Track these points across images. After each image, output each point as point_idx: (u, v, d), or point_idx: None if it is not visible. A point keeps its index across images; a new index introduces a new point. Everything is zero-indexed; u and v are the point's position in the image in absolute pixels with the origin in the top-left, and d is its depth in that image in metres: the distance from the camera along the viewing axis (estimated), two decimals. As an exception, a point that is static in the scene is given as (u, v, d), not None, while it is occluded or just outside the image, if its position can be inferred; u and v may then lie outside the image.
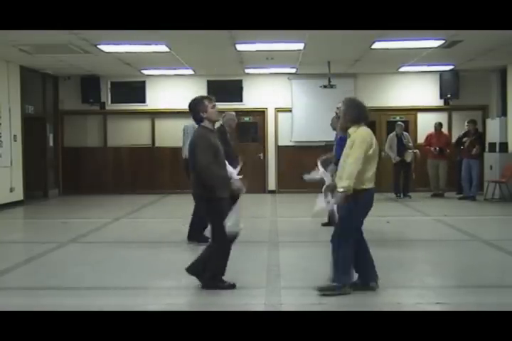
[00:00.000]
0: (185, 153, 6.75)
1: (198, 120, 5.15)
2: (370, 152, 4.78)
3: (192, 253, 6.86)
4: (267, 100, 14.14)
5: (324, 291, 4.84)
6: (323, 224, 8.24)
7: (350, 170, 4.71)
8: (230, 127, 7.50)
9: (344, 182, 4.71)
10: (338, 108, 7.28)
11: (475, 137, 12.08)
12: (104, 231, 8.54)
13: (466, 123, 12.49)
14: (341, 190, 4.72)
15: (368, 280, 5.00)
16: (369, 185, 4.85)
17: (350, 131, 4.87)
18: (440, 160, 12.82)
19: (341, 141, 7.02)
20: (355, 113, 4.88)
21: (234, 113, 7.67)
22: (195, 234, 7.21)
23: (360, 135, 4.79)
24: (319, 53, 11.11)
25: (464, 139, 12.17)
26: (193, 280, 5.63)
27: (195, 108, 5.14)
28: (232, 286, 5.10)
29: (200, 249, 7.05)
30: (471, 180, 12.04)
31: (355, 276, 5.02)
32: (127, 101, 14.05)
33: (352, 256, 4.91)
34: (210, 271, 5.10)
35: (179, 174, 9.89)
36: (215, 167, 5.04)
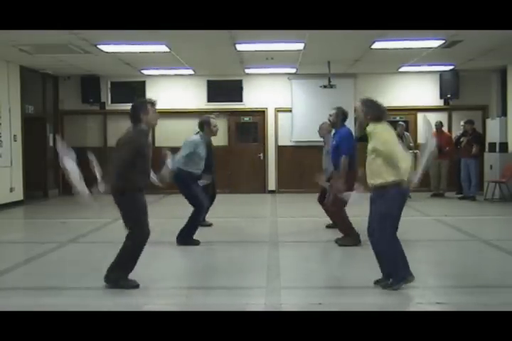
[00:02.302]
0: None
1: (135, 121, 5.17)
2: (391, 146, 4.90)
3: (192, 253, 6.88)
4: (267, 100, 14.15)
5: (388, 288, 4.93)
6: (328, 226, 8.23)
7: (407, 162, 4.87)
8: (213, 133, 7.51)
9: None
10: (330, 115, 7.29)
11: (472, 137, 12.08)
12: (104, 231, 8.53)
13: (462, 123, 12.51)
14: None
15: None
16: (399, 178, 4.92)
17: (369, 128, 4.97)
18: (442, 159, 12.82)
19: (342, 137, 7.09)
20: (376, 112, 4.99)
21: (212, 117, 7.61)
22: (185, 238, 7.21)
23: (382, 130, 4.94)
24: (319, 53, 11.11)
25: (462, 139, 12.18)
26: (193, 280, 5.64)
27: (137, 109, 5.16)
28: (137, 286, 5.08)
29: (197, 249, 7.09)
30: (471, 179, 12.05)
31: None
32: (127, 101, 13.95)
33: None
34: (120, 269, 5.10)
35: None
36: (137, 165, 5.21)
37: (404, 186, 4.83)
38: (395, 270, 4.96)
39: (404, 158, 4.88)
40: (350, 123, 7.87)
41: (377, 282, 5.06)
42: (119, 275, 5.09)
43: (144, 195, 5.25)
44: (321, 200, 7.92)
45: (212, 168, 8.29)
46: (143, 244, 5.16)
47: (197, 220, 7.26)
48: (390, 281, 4.96)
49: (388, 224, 4.91)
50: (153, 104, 5.20)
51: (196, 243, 7.15)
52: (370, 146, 4.96)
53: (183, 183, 7.17)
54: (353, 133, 7.45)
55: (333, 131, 7.56)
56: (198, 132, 7.49)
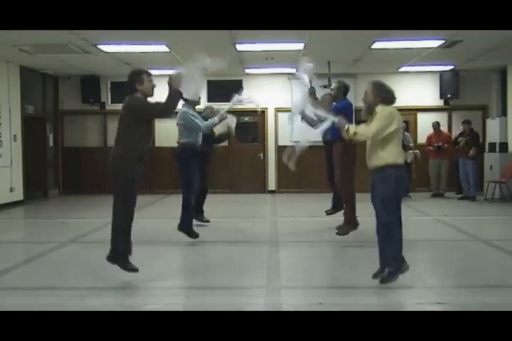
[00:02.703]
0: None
1: (130, 91, 5.22)
2: (392, 129, 4.93)
3: (191, 253, 6.88)
4: (267, 100, 14.14)
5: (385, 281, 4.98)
6: (328, 213, 8.30)
7: (366, 129, 4.96)
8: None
9: (353, 129, 4.99)
10: (331, 89, 7.40)
11: (470, 137, 12.08)
12: (104, 231, 8.50)
13: (460, 124, 12.52)
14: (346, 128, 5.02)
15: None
16: (400, 160, 5.11)
17: (378, 109, 4.99)
18: (442, 159, 12.83)
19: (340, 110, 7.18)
20: (386, 95, 5.04)
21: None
22: (186, 227, 7.31)
23: (386, 110, 4.97)
24: (319, 53, 11.09)
25: (459, 139, 12.19)
26: (193, 280, 5.64)
27: (132, 78, 5.23)
28: (136, 270, 5.26)
29: (196, 248, 7.09)
30: (469, 180, 12.05)
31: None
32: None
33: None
34: (116, 246, 5.27)
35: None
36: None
37: (401, 169, 5.01)
38: (395, 257, 5.00)
39: (399, 143, 5.05)
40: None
41: (374, 276, 5.08)
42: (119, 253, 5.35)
43: (141, 164, 5.25)
44: (331, 179, 7.93)
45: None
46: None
47: (188, 201, 7.26)
48: (386, 272, 4.99)
49: (394, 207, 5.03)
50: (148, 74, 5.28)
51: (195, 235, 7.17)
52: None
53: (181, 157, 7.28)
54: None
55: (334, 104, 7.61)
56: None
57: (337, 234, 7.31)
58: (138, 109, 5.21)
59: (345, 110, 7.09)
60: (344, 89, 7.38)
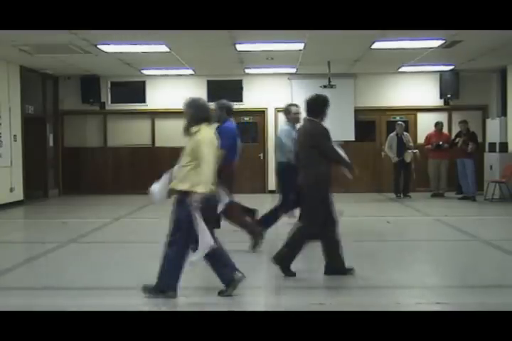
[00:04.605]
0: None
1: (316, 115, 5.53)
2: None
3: (191, 253, 6.86)
4: (267, 100, 14.14)
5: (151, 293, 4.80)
6: None
7: (208, 173, 4.58)
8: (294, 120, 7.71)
9: (203, 187, 4.54)
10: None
11: (467, 136, 12.08)
12: (104, 231, 8.54)
13: (458, 124, 12.53)
14: (200, 194, 4.56)
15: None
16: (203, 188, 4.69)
17: (193, 130, 4.76)
18: (442, 159, 12.83)
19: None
20: (197, 113, 4.79)
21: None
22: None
23: (205, 136, 4.71)
24: (319, 53, 11.11)
25: (457, 140, 12.19)
26: (192, 281, 5.63)
27: (321, 104, 5.59)
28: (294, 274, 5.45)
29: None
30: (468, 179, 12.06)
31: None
32: (127, 101, 14.04)
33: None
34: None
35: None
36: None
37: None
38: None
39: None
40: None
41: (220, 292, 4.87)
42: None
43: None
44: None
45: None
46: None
47: (276, 213, 7.44)
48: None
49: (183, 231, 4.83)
50: None
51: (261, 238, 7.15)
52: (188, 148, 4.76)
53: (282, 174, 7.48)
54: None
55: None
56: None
57: (255, 251, 6.89)
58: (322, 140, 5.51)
59: (226, 133, 6.68)
60: (227, 109, 7.00)
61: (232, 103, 7.21)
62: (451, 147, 12.39)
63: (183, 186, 4.70)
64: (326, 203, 5.42)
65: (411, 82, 13.99)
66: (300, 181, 5.49)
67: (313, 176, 5.36)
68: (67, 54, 10.64)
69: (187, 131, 4.80)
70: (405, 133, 12.84)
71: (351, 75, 13.73)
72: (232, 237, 8.04)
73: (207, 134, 4.75)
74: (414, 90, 14.03)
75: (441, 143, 12.70)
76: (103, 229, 8.65)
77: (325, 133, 5.45)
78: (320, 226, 5.39)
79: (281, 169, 7.66)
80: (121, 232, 8.62)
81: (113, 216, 9.98)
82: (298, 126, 7.67)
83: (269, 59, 11.58)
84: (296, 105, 7.70)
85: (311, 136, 5.46)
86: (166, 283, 4.80)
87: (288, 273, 5.46)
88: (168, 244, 4.85)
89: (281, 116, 14.10)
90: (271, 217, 7.58)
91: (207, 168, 4.58)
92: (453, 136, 12.99)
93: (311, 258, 6.57)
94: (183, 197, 4.70)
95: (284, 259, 5.47)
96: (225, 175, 6.11)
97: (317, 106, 5.59)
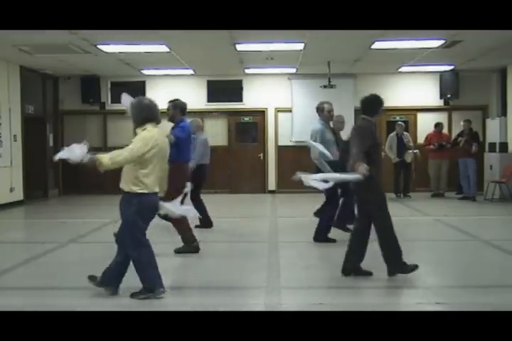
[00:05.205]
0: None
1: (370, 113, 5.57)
2: (149, 154, 4.67)
3: (191, 253, 6.87)
4: (267, 100, 14.14)
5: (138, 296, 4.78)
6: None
7: (119, 154, 4.60)
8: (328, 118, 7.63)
9: (106, 157, 4.56)
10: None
11: (470, 136, 12.08)
12: (103, 231, 8.52)
13: (461, 123, 12.53)
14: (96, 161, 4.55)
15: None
16: (149, 189, 4.72)
17: (138, 131, 4.78)
18: (442, 159, 12.83)
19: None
20: (139, 114, 4.78)
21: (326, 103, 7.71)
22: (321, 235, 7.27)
23: (141, 136, 4.71)
24: (319, 53, 11.11)
25: (459, 139, 12.19)
26: (192, 281, 5.64)
27: (375, 102, 5.64)
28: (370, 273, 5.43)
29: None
30: (469, 179, 12.06)
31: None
32: (127, 101, 14.03)
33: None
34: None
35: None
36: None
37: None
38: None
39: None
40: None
41: None
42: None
43: None
44: None
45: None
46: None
47: (329, 214, 7.31)
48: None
49: (134, 233, 4.79)
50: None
51: (331, 240, 7.23)
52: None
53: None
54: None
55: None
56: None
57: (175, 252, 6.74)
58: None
59: (178, 132, 6.72)
60: (181, 109, 6.92)
61: (185, 102, 7.06)
62: (453, 147, 12.40)
63: (123, 186, 4.77)
64: (382, 197, 5.44)
65: (411, 82, 13.99)
66: (353, 182, 5.45)
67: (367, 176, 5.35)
68: (67, 54, 10.64)
69: (134, 132, 4.85)
70: (405, 133, 12.84)
71: (351, 75, 13.73)
72: (233, 237, 8.04)
73: (148, 133, 4.73)
74: (414, 90, 14.03)
75: (444, 143, 12.69)
76: (103, 229, 8.64)
77: (367, 133, 5.41)
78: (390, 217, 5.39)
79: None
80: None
81: (113, 216, 9.93)
82: (331, 123, 7.73)
83: (269, 59, 11.58)
84: (328, 102, 7.63)
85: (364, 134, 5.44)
86: (149, 282, 4.80)
87: (408, 269, 5.39)
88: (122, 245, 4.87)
89: (282, 116, 14.27)
90: (342, 214, 7.58)
91: (124, 151, 4.61)
92: (453, 136, 13.01)
93: (310, 258, 6.58)
94: (125, 197, 4.75)
95: (394, 260, 5.40)
96: (174, 173, 6.04)
97: (370, 105, 5.58)
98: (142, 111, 4.79)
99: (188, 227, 6.71)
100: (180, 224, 6.55)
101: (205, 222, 8.28)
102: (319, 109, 7.57)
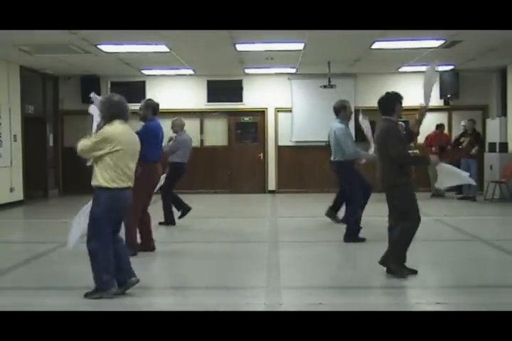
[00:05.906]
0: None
1: (388, 113, 5.57)
2: (107, 150, 4.75)
3: (192, 253, 6.87)
4: (267, 100, 14.14)
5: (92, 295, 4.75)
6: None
7: (84, 143, 4.88)
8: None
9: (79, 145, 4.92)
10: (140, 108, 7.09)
11: (473, 136, 12.07)
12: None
13: (463, 123, 12.51)
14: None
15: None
16: (112, 184, 4.76)
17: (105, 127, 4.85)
18: (442, 160, 12.82)
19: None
20: (107, 110, 4.87)
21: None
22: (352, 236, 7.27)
23: (105, 130, 4.81)
24: (319, 53, 11.11)
25: (462, 139, 12.18)
26: (193, 280, 5.64)
27: (391, 101, 5.53)
28: (415, 272, 5.36)
29: (196, 249, 7.09)
30: None
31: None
32: (127, 101, 14.00)
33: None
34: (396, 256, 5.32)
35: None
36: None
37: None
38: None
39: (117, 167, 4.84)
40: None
41: None
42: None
43: None
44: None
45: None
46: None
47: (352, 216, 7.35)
48: None
49: (101, 229, 4.83)
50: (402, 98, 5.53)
51: (361, 240, 7.24)
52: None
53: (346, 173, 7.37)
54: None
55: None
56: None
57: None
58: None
59: (147, 132, 6.75)
60: (152, 109, 6.89)
61: (158, 103, 7.06)
62: (455, 147, 12.39)
63: (92, 182, 4.83)
64: (411, 196, 5.46)
65: (411, 82, 13.97)
66: (381, 183, 5.54)
67: (392, 178, 5.41)
68: (67, 54, 10.64)
69: (99, 129, 4.92)
70: (405, 133, 12.83)
71: (351, 75, 13.73)
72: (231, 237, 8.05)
73: (110, 129, 4.78)
74: (414, 90, 13.97)
75: (448, 147, 12.68)
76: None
77: (391, 133, 5.43)
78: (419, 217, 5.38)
79: (345, 167, 7.46)
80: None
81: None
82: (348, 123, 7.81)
83: (269, 59, 11.58)
84: (348, 101, 7.77)
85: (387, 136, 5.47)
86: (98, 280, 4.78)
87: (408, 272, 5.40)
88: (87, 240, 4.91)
89: (282, 116, 14.27)
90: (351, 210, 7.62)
91: (88, 141, 4.86)
92: (453, 137, 13.00)
93: (310, 258, 6.58)
94: (95, 193, 4.81)
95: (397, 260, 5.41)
96: (143, 173, 6.03)
97: (384, 104, 5.55)
98: (111, 107, 4.87)
99: (135, 226, 6.56)
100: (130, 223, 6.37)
101: (169, 218, 8.53)
102: (341, 108, 7.54)
